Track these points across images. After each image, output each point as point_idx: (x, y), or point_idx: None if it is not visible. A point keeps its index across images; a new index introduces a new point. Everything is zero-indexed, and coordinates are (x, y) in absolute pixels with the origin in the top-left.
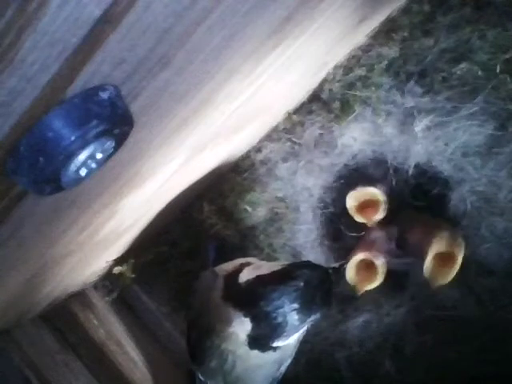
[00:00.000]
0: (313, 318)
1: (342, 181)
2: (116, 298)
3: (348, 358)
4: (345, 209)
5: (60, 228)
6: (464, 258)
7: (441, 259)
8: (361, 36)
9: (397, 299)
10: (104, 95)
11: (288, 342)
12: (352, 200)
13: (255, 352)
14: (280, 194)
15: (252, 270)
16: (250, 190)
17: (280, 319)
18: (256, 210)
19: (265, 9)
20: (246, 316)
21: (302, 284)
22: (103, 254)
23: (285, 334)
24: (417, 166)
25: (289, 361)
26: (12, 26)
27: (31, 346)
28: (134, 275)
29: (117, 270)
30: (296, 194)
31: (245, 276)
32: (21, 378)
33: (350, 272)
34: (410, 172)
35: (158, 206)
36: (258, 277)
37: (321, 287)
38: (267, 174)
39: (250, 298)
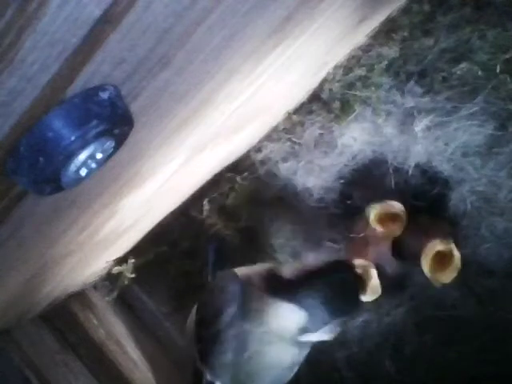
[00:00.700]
0: (345, 318)
1: (342, 181)
2: (116, 298)
3: (348, 358)
4: (345, 209)
5: (60, 228)
6: (464, 258)
7: (440, 259)
8: (361, 36)
9: (397, 299)
10: (104, 95)
11: (322, 339)
12: (374, 211)
13: (274, 350)
14: (280, 194)
15: (291, 266)
16: (249, 190)
17: (329, 310)
18: (256, 210)
19: (265, 9)
20: (300, 308)
21: (341, 283)
22: (103, 254)
23: (331, 325)
24: (417, 165)
25: (297, 368)
26: (12, 25)
27: (31, 346)
28: (133, 275)
29: (117, 269)
30: (296, 194)
31: (288, 272)
32: (21, 378)
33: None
34: (410, 172)
35: (157, 206)
36: (304, 271)
37: (355, 289)
38: (267, 174)
39: (302, 291)
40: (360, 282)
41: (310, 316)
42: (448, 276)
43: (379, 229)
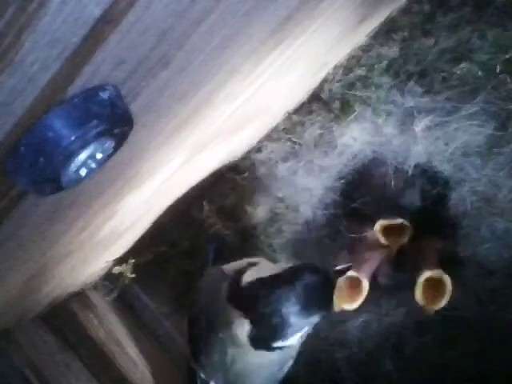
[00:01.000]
0: (312, 320)
1: (342, 181)
2: (116, 298)
3: (348, 358)
4: (345, 209)
5: (60, 228)
6: (464, 258)
7: (432, 284)
8: (361, 36)
9: (397, 299)
10: (104, 95)
11: (290, 343)
12: (380, 226)
13: (254, 352)
14: (280, 194)
15: (254, 272)
16: (249, 190)
17: (278, 321)
18: (256, 210)
19: (265, 9)
20: (245, 317)
21: (300, 288)
22: (103, 254)
23: (284, 335)
24: (417, 166)
25: (291, 361)
26: (12, 25)
27: (31, 346)
28: (133, 275)
29: (117, 269)
30: (296, 194)
31: (247, 278)
32: (21, 378)
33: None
34: (410, 172)
35: (157, 206)
36: (258, 279)
37: (320, 290)
38: (267, 174)
39: (250, 300)
40: (332, 283)
41: (254, 326)
42: (440, 303)
43: (384, 241)
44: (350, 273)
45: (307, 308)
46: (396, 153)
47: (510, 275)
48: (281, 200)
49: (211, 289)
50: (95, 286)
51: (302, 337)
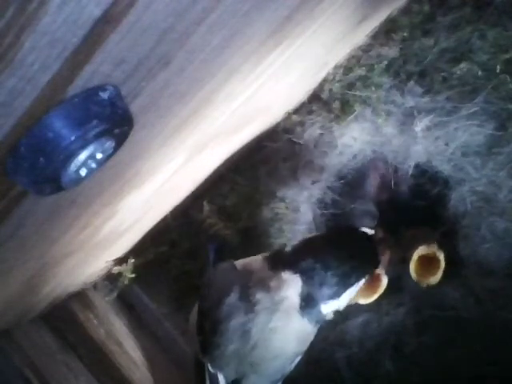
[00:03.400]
0: (359, 283)
1: (342, 181)
2: (116, 297)
3: (348, 358)
4: (345, 209)
5: (60, 228)
6: (464, 258)
7: (427, 263)
8: (361, 36)
9: (397, 299)
10: (104, 95)
11: (333, 309)
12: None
13: (279, 337)
14: (280, 194)
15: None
16: (249, 190)
17: (327, 276)
18: (256, 210)
19: (265, 8)
20: (296, 272)
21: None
22: (103, 254)
23: (331, 295)
24: (417, 166)
25: (298, 358)
26: (12, 25)
27: (31, 346)
28: (133, 275)
29: (117, 269)
30: (296, 195)
31: (289, 248)
32: (21, 378)
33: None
34: (410, 172)
35: (157, 206)
36: (304, 240)
37: (367, 251)
38: (267, 174)
39: (299, 258)
40: (378, 248)
41: (313, 284)
42: (435, 277)
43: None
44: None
45: (354, 271)
46: (396, 153)
47: (510, 275)
48: (281, 200)
49: (225, 279)
50: (95, 286)
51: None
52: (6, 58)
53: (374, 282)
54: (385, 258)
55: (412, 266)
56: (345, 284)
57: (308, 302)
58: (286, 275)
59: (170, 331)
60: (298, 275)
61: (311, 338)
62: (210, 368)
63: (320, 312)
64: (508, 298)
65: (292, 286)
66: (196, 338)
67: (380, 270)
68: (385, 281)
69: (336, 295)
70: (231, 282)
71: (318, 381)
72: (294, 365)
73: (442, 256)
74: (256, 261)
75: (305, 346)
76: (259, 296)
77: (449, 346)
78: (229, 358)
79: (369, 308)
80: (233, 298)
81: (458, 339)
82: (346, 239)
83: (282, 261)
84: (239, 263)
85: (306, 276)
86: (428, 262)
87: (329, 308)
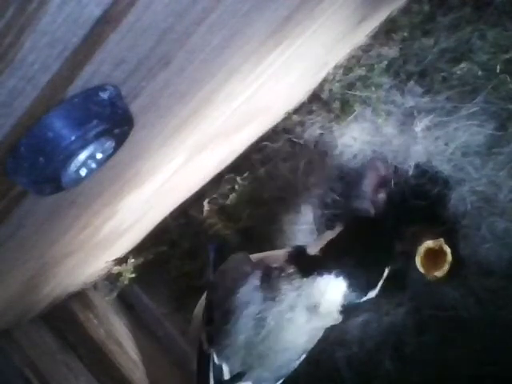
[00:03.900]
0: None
1: (342, 181)
2: (116, 297)
3: (348, 358)
4: (345, 209)
5: (60, 228)
6: (464, 258)
7: (433, 257)
8: (361, 36)
9: (397, 299)
10: (104, 95)
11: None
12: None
13: (292, 329)
14: (280, 195)
15: (316, 241)
16: (249, 190)
17: (364, 273)
18: (256, 210)
19: (265, 8)
20: (337, 276)
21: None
22: (103, 253)
23: (371, 287)
24: (417, 166)
25: (303, 357)
26: (12, 25)
27: (31, 346)
28: (133, 275)
29: (116, 269)
30: (296, 194)
31: (313, 248)
32: (21, 378)
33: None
34: (410, 172)
35: (158, 206)
36: (328, 243)
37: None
38: (267, 174)
39: (330, 257)
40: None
41: (352, 282)
42: (442, 270)
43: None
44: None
45: (383, 256)
46: (396, 153)
47: (510, 275)
48: (281, 200)
49: (240, 272)
50: (95, 286)
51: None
52: (6, 58)
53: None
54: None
55: (418, 259)
56: (379, 273)
57: (351, 301)
58: (325, 279)
59: (170, 331)
60: (340, 278)
61: (320, 335)
62: (215, 359)
63: (359, 303)
64: (508, 298)
65: (335, 290)
66: (203, 328)
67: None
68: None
69: (374, 286)
70: (247, 271)
71: (318, 381)
72: (298, 363)
73: (448, 250)
74: (278, 256)
75: (312, 344)
76: (284, 289)
77: (449, 345)
78: (238, 347)
79: (369, 308)
80: (250, 287)
81: (458, 339)
82: (366, 231)
83: (312, 262)
84: (255, 256)
85: (346, 276)
86: (434, 256)
87: (366, 299)
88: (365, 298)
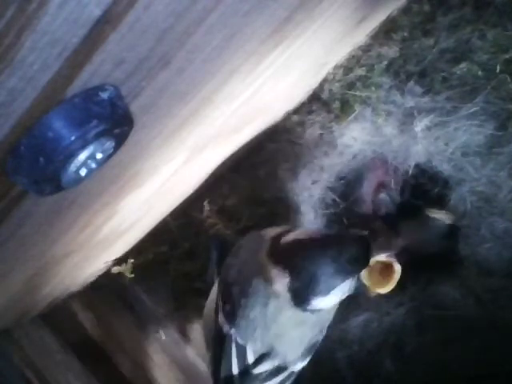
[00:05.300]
0: (346, 282)
1: (342, 181)
2: (116, 298)
3: (348, 358)
4: (345, 209)
5: (60, 228)
6: (464, 258)
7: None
8: (361, 36)
9: (397, 299)
10: (104, 95)
11: (324, 305)
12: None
13: (295, 310)
14: (280, 195)
15: (295, 234)
16: (250, 190)
17: (315, 274)
18: (256, 210)
19: (265, 9)
20: (284, 272)
21: (336, 252)
22: (103, 253)
23: (319, 291)
24: (417, 166)
25: (324, 332)
26: (12, 25)
27: (31, 346)
28: (133, 275)
29: (116, 269)
30: (296, 195)
31: (288, 239)
32: (21, 378)
33: (365, 272)
34: (410, 172)
35: (157, 205)
36: (296, 240)
37: (357, 258)
38: (268, 174)
39: (288, 257)
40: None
41: (300, 280)
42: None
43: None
44: (382, 257)
45: (341, 270)
46: (396, 153)
47: (510, 275)
48: (281, 200)
49: (250, 250)
50: (95, 286)
51: (336, 302)
52: (6, 58)
53: (387, 271)
54: (389, 245)
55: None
56: (331, 283)
57: (297, 297)
58: (276, 271)
59: (170, 331)
60: (286, 271)
61: (324, 319)
62: (238, 340)
63: (312, 306)
64: (508, 298)
65: (279, 284)
66: (220, 309)
67: (391, 259)
68: (398, 268)
69: (323, 293)
70: (255, 250)
71: (318, 380)
72: (325, 331)
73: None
74: (266, 235)
75: (327, 322)
76: (255, 283)
77: (449, 345)
78: (255, 326)
79: (369, 308)
80: (256, 266)
81: (458, 339)
82: (334, 240)
83: (278, 253)
84: (267, 232)
85: (294, 273)
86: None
87: (320, 303)
88: (318, 303)
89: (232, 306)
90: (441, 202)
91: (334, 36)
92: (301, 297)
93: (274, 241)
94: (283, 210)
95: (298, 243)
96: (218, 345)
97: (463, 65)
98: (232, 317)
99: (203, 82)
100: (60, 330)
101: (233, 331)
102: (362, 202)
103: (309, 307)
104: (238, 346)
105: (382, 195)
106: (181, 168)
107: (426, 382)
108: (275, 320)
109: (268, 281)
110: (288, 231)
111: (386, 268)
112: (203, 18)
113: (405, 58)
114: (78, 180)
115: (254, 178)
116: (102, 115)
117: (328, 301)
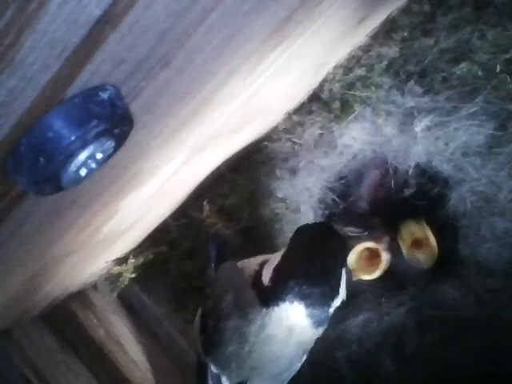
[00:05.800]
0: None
1: (342, 181)
2: (116, 298)
3: (348, 358)
4: (345, 209)
5: (60, 228)
6: (464, 258)
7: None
8: (361, 36)
9: (397, 299)
10: (104, 95)
11: (340, 299)
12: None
13: (277, 338)
14: (280, 195)
15: (268, 267)
16: (249, 190)
17: (319, 278)
18: (256, 210)
19: (265, 9)
20: (292, 302)
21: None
22: (103, 253)
23: (332, 287)
24: (417, 165)
25: (305, 357)
26: (12, 25)
27: (31, 346)
28: (133, 275)
29: (116, 269)
30: (296, 195)
31: (266, 276)
32: (21, 378)
33: (352, 256)
34: (410, 172)
35: (158, 206)
36: (274, 270)
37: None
38: (267, 174)
39: (284, 285)
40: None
41: (309, 302)
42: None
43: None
44: (370, 244)
45: (331, 259)
46: (396, 153)
47: (510, 275)
48: (281, 200)
49: (228, 280)
50: (95, 286)
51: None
52: (6, 58)
53: (374, 259)
54: (384, 238)
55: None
56: (335, 279)
57: (318, 317)
58: (282, 308)
59: (170, 331)
60: (295, 303)
61: (314, 338)
62: (212, 368)
63: (332, 306)
64: (508, 298)
65: (296, 315)
66: (198, 337)
67: (378, 246)
68: (385, 257)
69: (335, 293)
70: (229, 283)
71: (318, 380)
72: (299, 364)
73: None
74: (250, 267)
75: (309, 345)
76: (250, 310)
77: (449, 345)
78: (229, 359)
79: (369, 307)
80: (228, 301)
81: (458, 339)
82: (307, 242)
83: (266, 293)
84: (240, 263)
85: (300, 299)
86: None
87: (337, 301)
88: (332, 309)
89: (207, 336)
90: (441, 202)
91: (333, 36)
92: (323, 306)
93: (255, 280)
94: (283, 210)
95: (283, 269)
96: (199, 369)
97: (463, 65)
98: (208, 347)
99: (203, 82)
100: (60, 330)
101: (208, 360)
102: (361, 202)
103: (330, 309)
104: (212, 373)
105: (381, 195)
106: (181, 168)
107: (426, 381)
108: (254, 352)
109: (253, 312)
110: (262, 264)
111: (374, 256)
112: (203, 18)
113: (405, 58)
114: (78, 180)
115: (253, 178)
116: (102, 115)
117: (341, 292)
